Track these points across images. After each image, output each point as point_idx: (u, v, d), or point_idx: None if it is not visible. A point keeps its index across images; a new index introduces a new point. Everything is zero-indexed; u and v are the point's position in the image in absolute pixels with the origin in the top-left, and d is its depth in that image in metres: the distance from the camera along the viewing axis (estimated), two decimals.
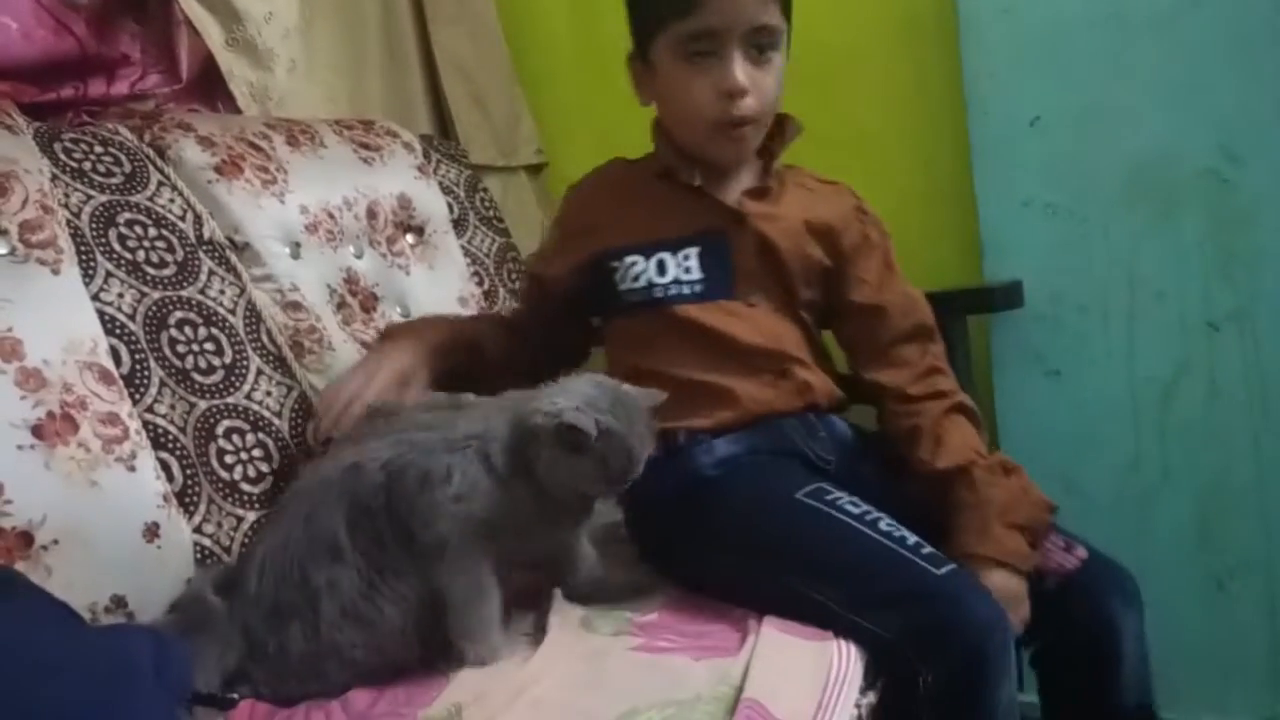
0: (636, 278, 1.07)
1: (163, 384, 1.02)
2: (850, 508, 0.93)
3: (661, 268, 1.07)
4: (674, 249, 1.07)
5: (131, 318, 1.03)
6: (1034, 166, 1.38)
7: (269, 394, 1.11)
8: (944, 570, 0.87)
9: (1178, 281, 1.32)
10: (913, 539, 0.90)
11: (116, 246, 1.06)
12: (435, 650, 0.86)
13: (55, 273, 0.98)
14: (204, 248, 1.15)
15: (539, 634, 0.88)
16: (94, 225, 1.06)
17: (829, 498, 0.94)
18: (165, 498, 0.95)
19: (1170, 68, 1.30)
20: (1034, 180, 1.38)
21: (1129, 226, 1.34)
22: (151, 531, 0.93)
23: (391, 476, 0.86)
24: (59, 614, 0.65)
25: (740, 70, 1.03)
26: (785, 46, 1.08)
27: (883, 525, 0.91)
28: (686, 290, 1.06)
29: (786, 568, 0.91)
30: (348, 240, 1.29)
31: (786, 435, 1.04)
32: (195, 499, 0.99)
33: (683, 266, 1.06)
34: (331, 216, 1.28)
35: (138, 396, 0.99)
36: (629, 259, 1.08)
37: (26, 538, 0.84)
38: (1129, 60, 1.32)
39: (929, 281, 1.45)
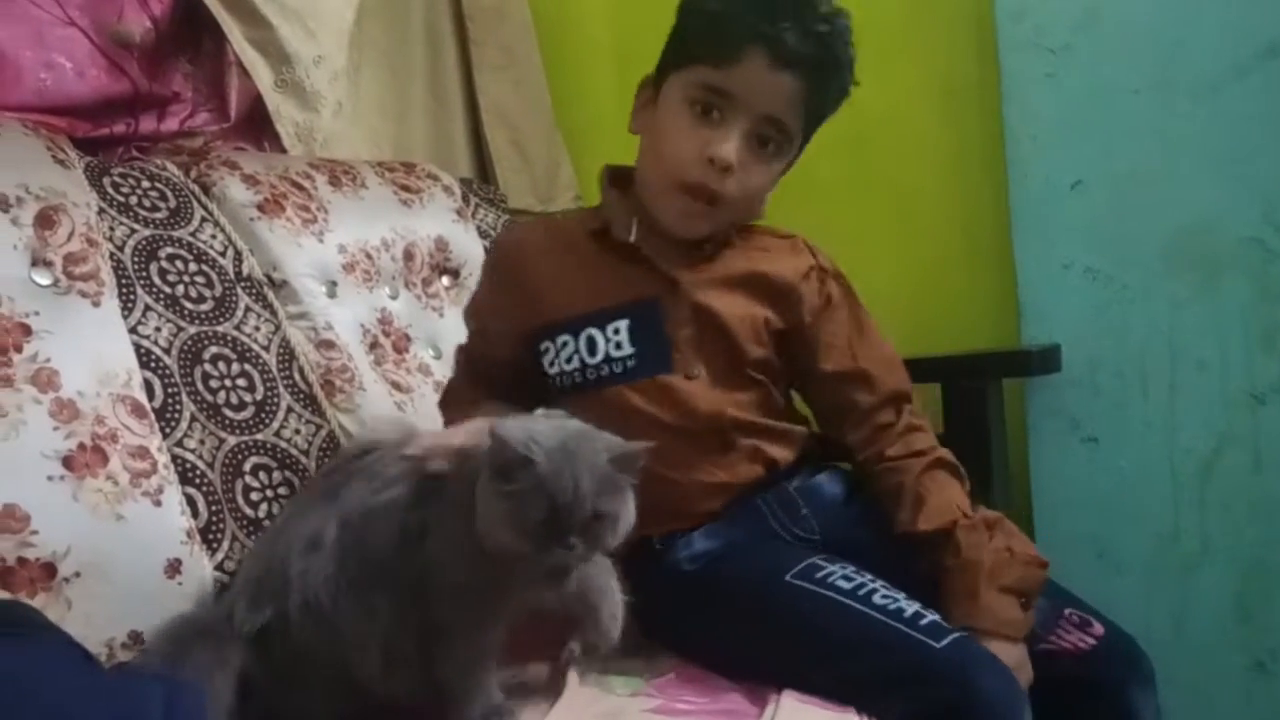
0: (570, 359, 1.01)
1: (193, 418, 1.03)
2: (842, 583, 0.88)
3: (591, 346, 1.00)
4: (602, 324, 1.00)
5: (167, 351, 1.04)
6: (1074, 230, 1.36)
7: (298, 432, 1.12)
8: (945, 642, 0.83)
9: (1220, 351, 1.29)
10: (911, 609, 0.86)
11: (156, 280, 1.08)
12: (409, 690, 0.82)
13: (95, 305, 0.99)
14: (242, 284, 1.16)
15: (555, 691, 0.86)
16: (136, 259, 1.08)
17: (820, 574, 0.90)
18: (189, 534, 0.95)
19: (1215, 135, 1.28)
20: (1074, 244, 1.36)
21: (1170, 294, 1.32)
22: (174, 568, 0.93)
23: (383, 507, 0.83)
24: (72, 656, 0.65)
25: (735, 146, 0.98)
26: (790, 157, 1.03)
27: (877, 598, 0.87)
28: (618, 368, 0.99)
29: (785, 655, 0.88)
30: (384, 281, 1.30)
31: (765, 520, 0.99)
32: (219, 536, 0.99)
33: (613, 342, 1.00)
34: (369, 257, 1.29)
35: (168, 430, 1.00)
36: (560, 339, 1.01)
37: (49, 569, 0.85)
38: (1173, 127, 1.30)
39: (965, 343, 1.45)
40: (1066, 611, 0.97)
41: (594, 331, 1.00)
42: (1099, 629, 0.96)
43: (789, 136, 1.01)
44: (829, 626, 0.87)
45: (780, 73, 0.97)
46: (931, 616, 0.86)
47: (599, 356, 1.00)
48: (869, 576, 0.90)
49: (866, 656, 0.84)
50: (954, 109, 1.49)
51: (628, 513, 0.79)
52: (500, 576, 0.80)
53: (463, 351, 1.12)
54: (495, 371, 1.07)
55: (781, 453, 1.01)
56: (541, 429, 0.78)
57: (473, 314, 1.12)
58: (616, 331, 1.00)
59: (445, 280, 1.40)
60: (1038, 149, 1.38)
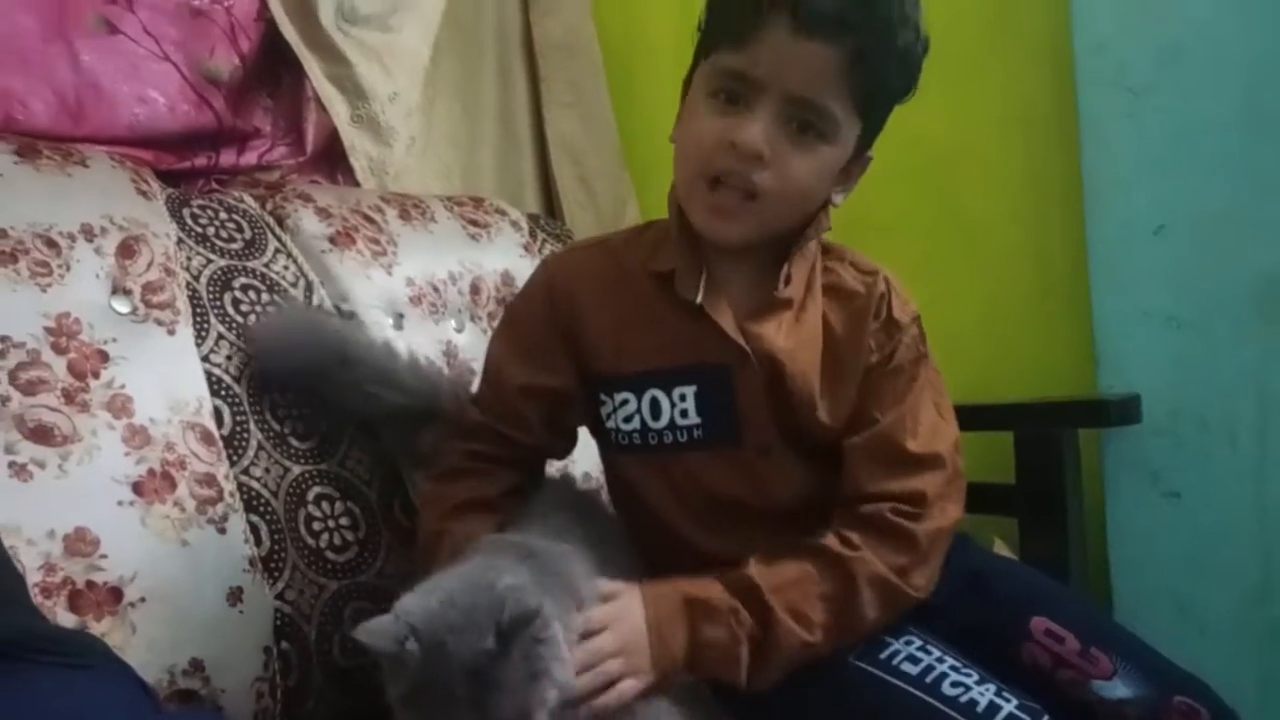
0: (629, 419, 0.91)
1: (260, 447, 1.05)
2: (908, 666, 0.82)
3: (655, 409, 0.90)
4: (667, 386, 0.90)
5: (237, 380, 1.06)
6: (1156, 276, 1.31)
7: (360, 462, 1.12)
8: None
9: None
10: (985, 699, 0.78)
11: (230, 310, 1.10)
12: None
13: (170, 333, 1.02)
14: None
15: None
16: (211, 288, 1.10)
17: (885, 654, 0.83)
18: (251, 562, 0.96)
19: None
20: (1156, 290, 1.31)
21: (1261, 342, 1.25)
22: (235, 595, 0.94)
23: None
24: (132, 692, 0.65)
25: (761, 130, 0.83)
26: (845, 148, 0.88)
27: (946, 686, 0.79)
28: (683, 437, 0.90)
29: None
30: (450, 314, 1.31)
31: None
32: (280, 565, 1.00)
33: (678, 409, 0.90)
34: (436, 290, 1.30)
35: (235, 458, 1.01)
36: (620, 396, 0.91)
37: (116, 593, 0.86)
38: (1266, 166, 1.25)
39: (1038, 390, 1.41)
40: (1175, 700, 0.87)
41: (658, 393, 0.90)
42: (1206, 717, 0.87)
43: (831, 121, 0.85)
44: (894, 718, 0.81)
45: (806, 42, 0.82)
46: (1008, 707, 0.78)
47: (663, 422, 0.90)
48: (937, 654, 0.83)
49: None
50: (1029, 142, 1.44)
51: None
52: None
53: (477, 410, 0.97)
54: (520, 425, 0.94)
55: None
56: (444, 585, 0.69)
57: (511, 343, 0.98)
58: (683, 398, 0.89)
59: None
60: (1118, 190, 1.34)
